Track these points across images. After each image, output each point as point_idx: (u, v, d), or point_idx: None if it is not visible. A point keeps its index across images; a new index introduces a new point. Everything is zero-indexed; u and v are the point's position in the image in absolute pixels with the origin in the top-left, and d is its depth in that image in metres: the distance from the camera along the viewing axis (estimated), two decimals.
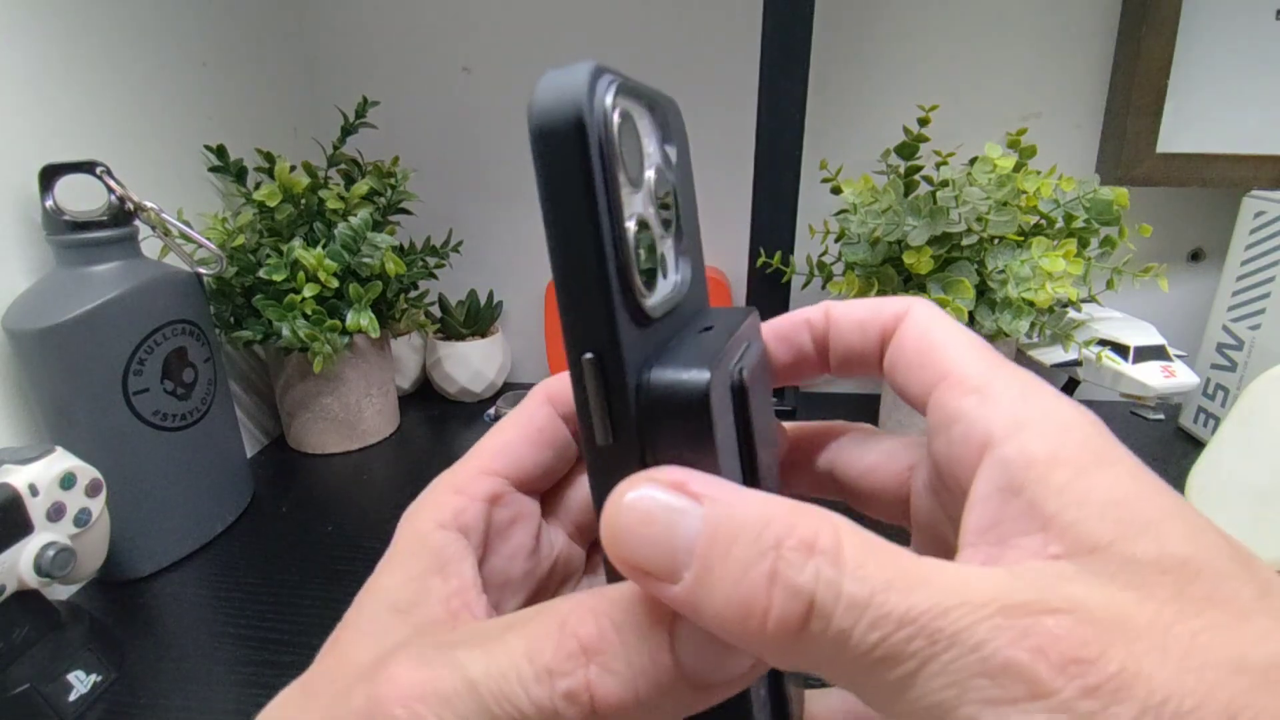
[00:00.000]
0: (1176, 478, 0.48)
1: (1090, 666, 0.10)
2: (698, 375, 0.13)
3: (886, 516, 0.19)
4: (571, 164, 0.12)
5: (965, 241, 0.52)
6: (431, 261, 0.65)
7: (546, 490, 0.20)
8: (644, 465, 0.13)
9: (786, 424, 0.21)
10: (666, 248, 0.15)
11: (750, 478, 0.15)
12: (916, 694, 0.11)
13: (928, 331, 0.17)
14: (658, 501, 0.12)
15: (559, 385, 0.19)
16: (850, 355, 0.18)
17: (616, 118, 0.12)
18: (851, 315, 0.18)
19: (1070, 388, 0.63)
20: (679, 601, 0.12)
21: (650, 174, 0.14)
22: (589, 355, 0.13)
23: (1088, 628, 0.10)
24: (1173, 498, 0.13)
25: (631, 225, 0.13)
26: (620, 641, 0.13)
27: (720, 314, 0.17)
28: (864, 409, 0.67)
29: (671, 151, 0.16)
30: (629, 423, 0.13)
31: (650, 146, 0.15)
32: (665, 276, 0.15)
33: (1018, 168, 0.52)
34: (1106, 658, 0.10)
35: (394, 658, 0.14)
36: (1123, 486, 0.13)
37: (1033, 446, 0.13)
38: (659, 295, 0.14)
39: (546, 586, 0.19)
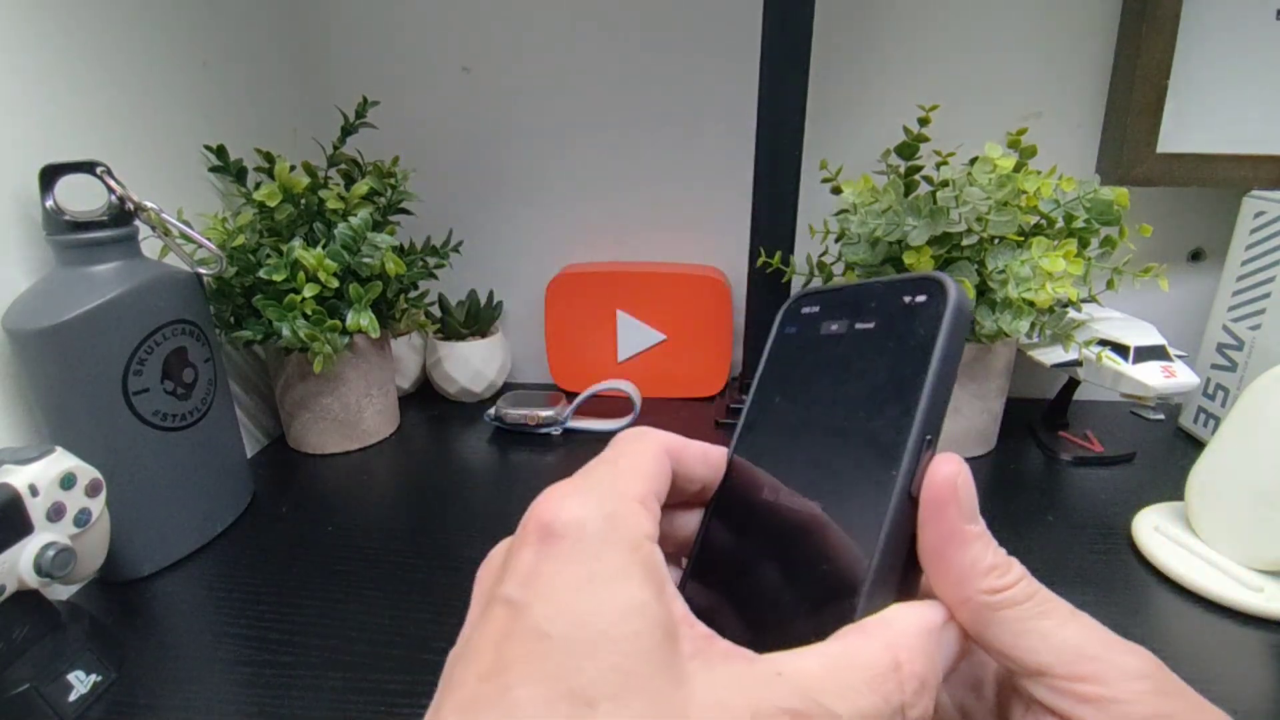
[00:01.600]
0: (1177, 478, 0.48)
1: None
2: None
3: None
4: (963, 338, 0.17)
5: (965, 241, 0.52)
6: (431, 261, 0.65)
7: None
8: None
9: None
10: None
11: None
12: None
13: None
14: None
15: (669, 438, 0.20)
16: None
17: None
18: None
19: (1070, 388, 0.63)
20: (982, 531, 0.17)
21: None
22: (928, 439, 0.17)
23: None
24: None
25: None
26: (938, 668, 0.16)
27: None
28: None
29: None
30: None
31: None
32: None
33: (1018, 168, 0.52)
34: None
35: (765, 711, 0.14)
36: None
37: None
38: None
39: None
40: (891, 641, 0.15)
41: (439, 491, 0.55)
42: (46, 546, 0.34)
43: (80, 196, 0.42)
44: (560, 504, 0.16)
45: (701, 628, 0.16)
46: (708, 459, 0.22)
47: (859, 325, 0.19)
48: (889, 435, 0.17)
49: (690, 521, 0.23)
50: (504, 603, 0.15)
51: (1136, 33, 0.59)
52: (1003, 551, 0.17)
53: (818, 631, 0.16)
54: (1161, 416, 0.66)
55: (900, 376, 0.17)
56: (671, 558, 0.23)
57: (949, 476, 0.17)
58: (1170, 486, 0.52)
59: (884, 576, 0.16)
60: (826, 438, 0.19)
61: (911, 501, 0.17)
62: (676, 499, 0.21)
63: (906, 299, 0.18)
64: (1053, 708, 0.16)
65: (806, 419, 0.20)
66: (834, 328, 0.20)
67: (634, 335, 0.71)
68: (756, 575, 0.20)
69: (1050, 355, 0.58)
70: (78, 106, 0.46)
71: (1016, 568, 0.17)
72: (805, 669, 0.15)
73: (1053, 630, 0.16)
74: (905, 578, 0.17)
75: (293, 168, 0.56)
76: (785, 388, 0.22)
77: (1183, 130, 0.61)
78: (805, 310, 0.22)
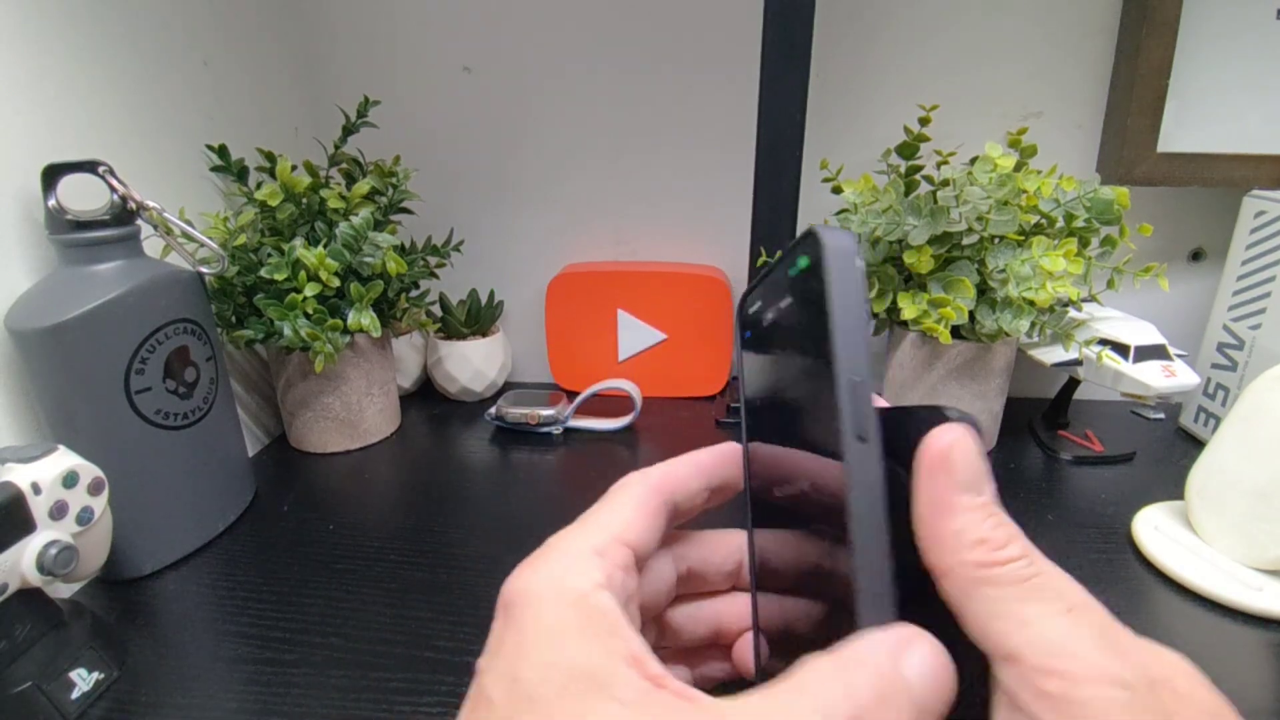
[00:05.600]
0: (1177, 477, 0.48)
1: None
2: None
3: None
4: (857, 276, 0.17)
5: (966, 241, 0.52)
6: (433, 261, 0.65)
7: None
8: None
9: None
10: None
11: None
12: None
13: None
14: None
15: (657, 473, 0.22)
16: None
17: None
18: None
19: (1071, 387, 0.63)
20: (980, 504, 0.17)
21: None
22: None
23: None
24: None
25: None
26: (887, 695, 0.15)
27: None
28: None
29: None
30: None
31: None
32: None
33: (1018, 167, 0.52)
34: None
35: None
36: None
37: None
38: None
39: None
40: (850, 689, 0.14)
41: (440, 490, 0.55)
42: (49, 545, 0.34)
43: (82, 196, 0.42)
44: (515, 576, 0.18)
45: (652, 668, 0.16)
46: (700, 467, 0.22)
47: (781, 304, 0.20)
48: (827, 393, 0.17)
49: (720, 548, 0.24)
50: (476, 675, 0.17)
51: (1136, 33, 0.59)
52: (1008, 529, 0.17)
53: (826, 640, 0.16)
54: (1162, 416, 0.66)
55: (816, 336, 0.17)
56: (721, 579, 0.24)
57: (944, 445, 0.16)
58: (1170, 486, 0.52)
59: (869, 560, 0.16)
60: (796, 422, 0.19)
61: (863, 445, 0.16)
62: (693, 513, 0.23)
63: (797, 263, 0.19)
64: (1014, 698, 0.15)
65: (779, 412, 0.21)
66: (769, 315, 0.21)
67: (634, 335, 0.71)
68: (789, 580, 0.20)
69: (1050, 355, 0.58)
70: (80, 106, 0.47)
71: (1014, 547, 0.16)
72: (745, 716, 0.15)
73: (1035, 618, 0.15)
74: (905, 559, 0.16)
75: (294, 167, 0.56)
76: (758, 390, 0.23)
77: (1183, 130, 0.61)
78: (750, 309, 0.23)
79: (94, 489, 0.37)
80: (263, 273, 0.53)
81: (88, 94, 0.47)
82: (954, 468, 0.16)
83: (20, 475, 0.34)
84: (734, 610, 0.24)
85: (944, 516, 0.16)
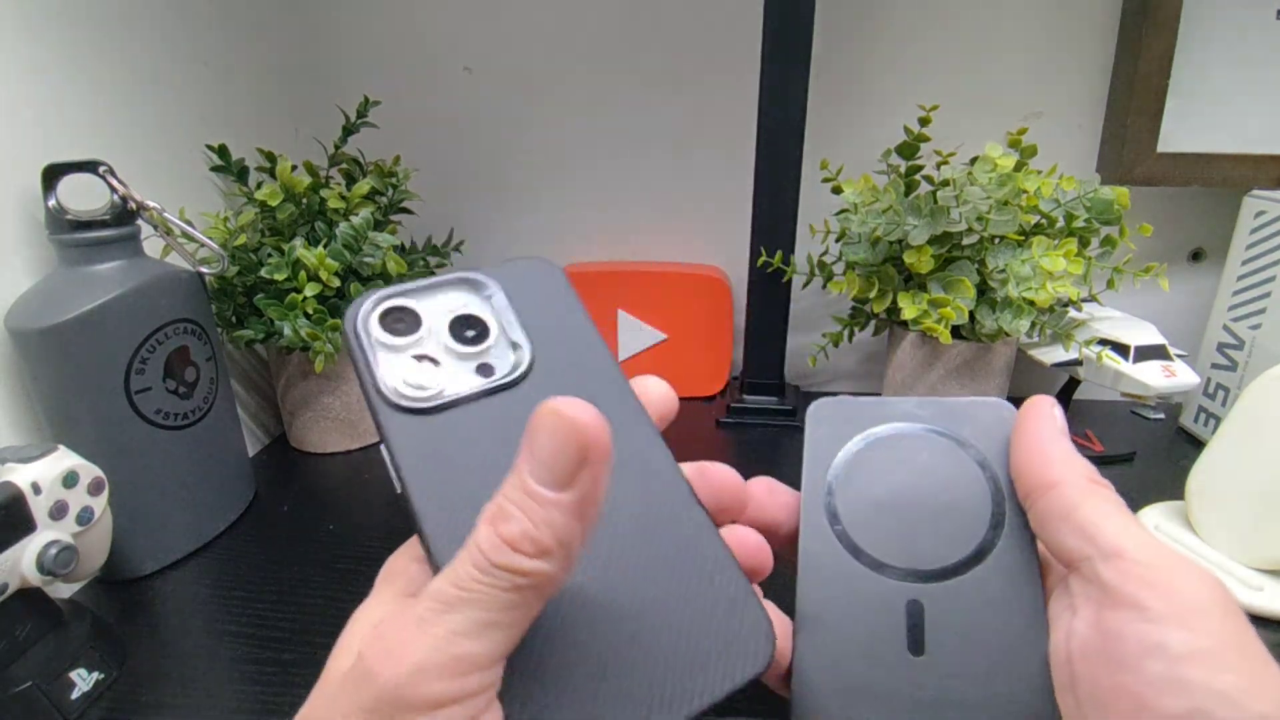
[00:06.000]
0: (1177, 477, 0.48)
1: None
2: None
3: None
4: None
5: (966, 241, 0.52)
6: (433, 261, 0.65)
7: None
8: None
9: None
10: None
11: None
12: None
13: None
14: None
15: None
16: None
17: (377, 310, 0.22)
18: None
19: (1071, 387, 0.63)
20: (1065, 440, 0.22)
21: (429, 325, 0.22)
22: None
23: None
24: None
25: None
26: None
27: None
28: None
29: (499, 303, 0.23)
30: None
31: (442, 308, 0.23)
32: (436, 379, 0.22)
33: (1018, 167, 0.52)
34: None
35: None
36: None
37: None
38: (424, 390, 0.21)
39: None
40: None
41: None
42: (49, 545, 0.34)
43: (82, 196, 0.42)
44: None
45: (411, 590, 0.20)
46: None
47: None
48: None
49: None
50: None
51: (1136, 33, 0.59)
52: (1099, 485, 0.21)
53: None
54: (1162, 416, 0.66)
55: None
56: None
57: (1049, 400, 0.22)
58: (1170, 486, 0.52)
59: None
60: None
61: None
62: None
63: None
64: (1112, 588, 0.18)
65: None
66: None
67: (634, 335, 0.71)
68: None
69: (1050, 355, 0.58)
70: (80, 106, 0.47)
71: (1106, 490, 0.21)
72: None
73: (1133, 528, 0.20)
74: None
75: (294, 167, 0.56)
76: None
77: (1183, 130, 0.61)
78: None
79: (94, 489, 0.37)
80: (263, 273, 0.53)
81: (88, 94, 0.47)
82: (1056, 416, 0.22)
83: (20, 475, 0.34)
84: None
85: (1056, 442, 0.21)
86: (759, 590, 0.20)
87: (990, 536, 0.21)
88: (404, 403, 0.20)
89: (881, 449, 0.23)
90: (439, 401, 0.20)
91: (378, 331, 0.21)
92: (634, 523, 0.20)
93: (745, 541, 0.21)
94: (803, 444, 0.23)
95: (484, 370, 0.22)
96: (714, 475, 0.22)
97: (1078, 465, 0.20)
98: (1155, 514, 0.48)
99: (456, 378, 0.21)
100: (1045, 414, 0.21)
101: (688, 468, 0.22)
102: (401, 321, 0.22)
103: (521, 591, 0.16)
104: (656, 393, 0.23)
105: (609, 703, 0.17)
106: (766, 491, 0.24)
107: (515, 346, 0.22)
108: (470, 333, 0.22)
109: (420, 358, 0.21)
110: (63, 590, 0.43)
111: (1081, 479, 0.20)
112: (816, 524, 0.22)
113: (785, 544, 0.24)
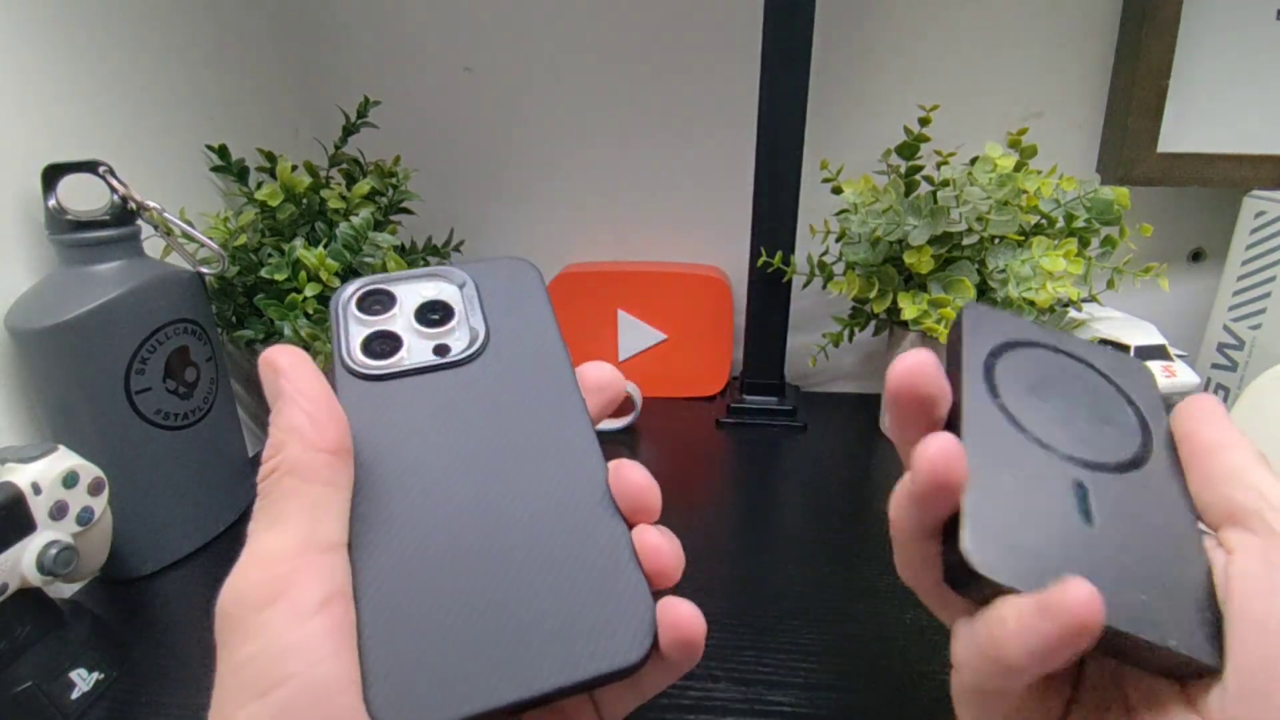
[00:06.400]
0: None
1: None
2: None
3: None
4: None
5: (966, 241, 0.52)
6: (433, 261, 0.65)
7: None
8: None
9: None
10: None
11: None
12: None
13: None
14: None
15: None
16: None
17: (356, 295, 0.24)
18: None
19: None
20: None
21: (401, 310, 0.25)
22: None
23: None
24: None
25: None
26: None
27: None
28: (864, 409, 0.68)
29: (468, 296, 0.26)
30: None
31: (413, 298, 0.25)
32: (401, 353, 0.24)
33: (1018, 167, 0.52)
34: None
35: None
36: None
37: None
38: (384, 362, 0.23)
39: None
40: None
41: None
42: (49, 545, 0.34)
43: (83, 196, 0.42)
44: None
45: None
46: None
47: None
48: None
49: None
50: None
51: (1136, 33, 0.59)
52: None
53: None
54: None
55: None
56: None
57: (1213, 398, 0.23)
58: None
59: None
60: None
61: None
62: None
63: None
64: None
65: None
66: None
67: (635, 335, 0.71)
68: None
69: None
70: (80, 106, 0.47)
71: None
72: None
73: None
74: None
75: (294, 167, 0.56)
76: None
77: (1183, 130, 0.61)
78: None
79: (94, 489, 0.37)
80: (263, 273, 0.53)
81: (89, 94, 0.47)
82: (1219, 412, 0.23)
83: (20, 475, 0.34)
84: None
85: (1228, 417, 0.22)
86: (650, 588, 0.20)
87: (1143, 454, 0.22)
88: (360, 369, 0.22)
89: (1038, 355, 0.24)
90: (390, 370, 0.23)
91: (354, 310, 0.24)
92: (541, 501, 0.21)
93: (658, 546, 0.21)
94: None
95: (440, 350, 0.24)
96: (627, 473, 0.22)
97: (1247, 439, 0.22)
98: None
99: (413, 353, 0.23)
100: (1215, 398, 0.23)
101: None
102: (379, 303, 0.24)
103: (280, 480, 0.19)
104: (595, 377, 0.25)
105: (468, 646, 0.18)
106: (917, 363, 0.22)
107: (473, 331, 0.24)
108: (434, 316, 0.24)
109: (385, 334, 0.24)
110: (63, 590, 0.43)
111: (1253, 448, 0.21)
112: (979, 393, 0.22)
113: (930, 408, 0.22)
